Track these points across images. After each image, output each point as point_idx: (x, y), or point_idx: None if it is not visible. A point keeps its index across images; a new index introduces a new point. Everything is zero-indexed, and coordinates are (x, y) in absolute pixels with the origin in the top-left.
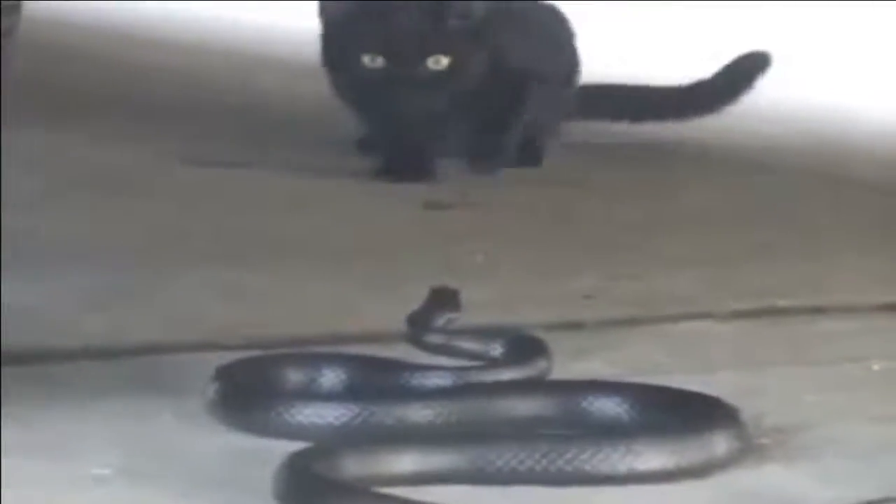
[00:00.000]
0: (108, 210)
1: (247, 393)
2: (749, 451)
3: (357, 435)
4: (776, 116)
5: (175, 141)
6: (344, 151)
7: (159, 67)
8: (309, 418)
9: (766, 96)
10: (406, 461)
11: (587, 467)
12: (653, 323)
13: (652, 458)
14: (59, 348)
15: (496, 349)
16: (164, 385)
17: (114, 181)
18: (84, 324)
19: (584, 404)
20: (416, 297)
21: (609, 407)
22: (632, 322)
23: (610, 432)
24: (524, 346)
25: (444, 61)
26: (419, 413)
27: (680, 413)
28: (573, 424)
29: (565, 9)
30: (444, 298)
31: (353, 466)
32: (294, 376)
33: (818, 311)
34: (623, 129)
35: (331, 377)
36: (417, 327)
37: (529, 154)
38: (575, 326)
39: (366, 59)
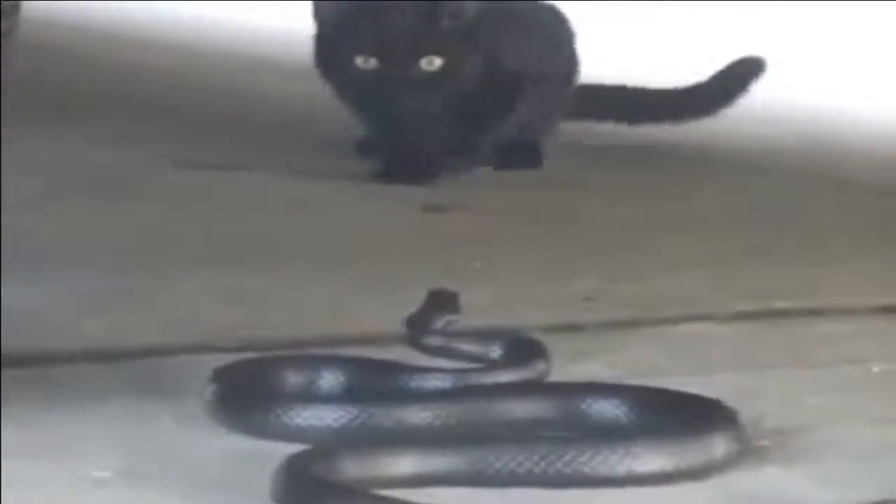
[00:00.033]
0: (107, 212)
1: (245, 395)
2: (748, 453)
3: (355, 437)
4: (774, 118)
5: (173, 143)
6: (342, 154)
7: (159, 69)
8: (307, 420)
9: (765, 98)
10: (405, 463)
11: (586, 469)
12: (652, 325)
13: (651, 460)
14: (58, 351)
15: (495, 351)
16: (163, 387)
17: (113, 183)
18: (84, 326)
19: (583, 406)
20: (414, 300)
21: (608, 409)
22: (631, 324)
23: (609, 434)
24: (523, 349)
25: (438, 62)
26: (418, 415)
27: (679, 415)
28: (572, 427)
29: (564, 9)
30: (442, 301)
31: (352, 468)
32: (292, 378)
33: (817, 313)
34: (622, 131)
35: (329, 379)
36: (416, 329)
37: (529, 156)
38: (574, 328)
39: (359, 61)
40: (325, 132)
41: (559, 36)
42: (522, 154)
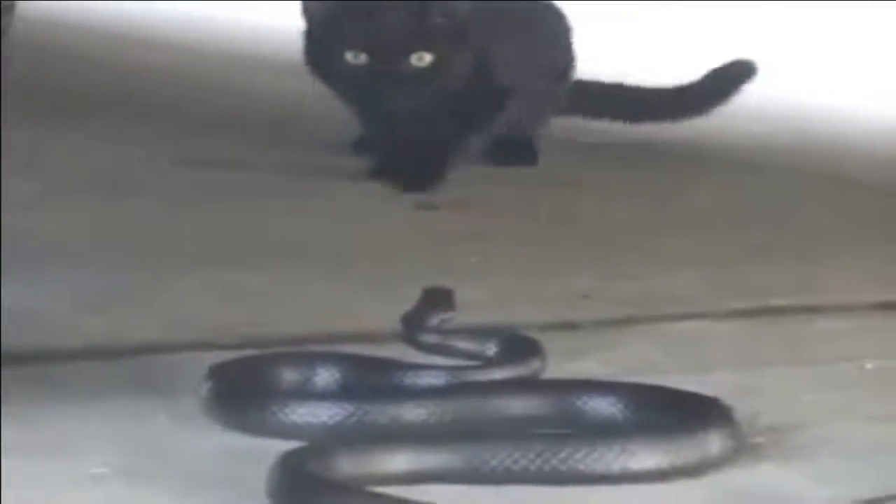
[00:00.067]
0: (106, 211)
1: (241, 392)
2: (744, 450)
3: (351, 434)
4: (772, 116)
5: (172, 142)
6: (340, 152)
7: (158, 68)
8: (303, 417)
9: (762, 96)
10: (400, 460)
11: (581, 467)
12: (648, 323)
13: (646, 457)
14: (58, 349)
15: (490, 349)
16: (161, 385)
17: (111, 182)
18: (83, 324)
19: (579, 404)
20: (411, 297)
21: (603, 406)
22: (627, 322)
23: (604, 432)
24: (518, 346)
25: (428, 58)
26: (413, 412)
27: (674, 412)
28: (568, 424)
29: (562, 6)
30: (438, 298)
31: (348, 465)
32: (288, 375)
33: (814, 310)
34: (618, 129)
35: (325, 376)
36: (412, 327)
37: (525, 153)
38: (570, 326)
39: (349, 56)
40: (322, 131)
41: (554, 32)
42: (518, 151)
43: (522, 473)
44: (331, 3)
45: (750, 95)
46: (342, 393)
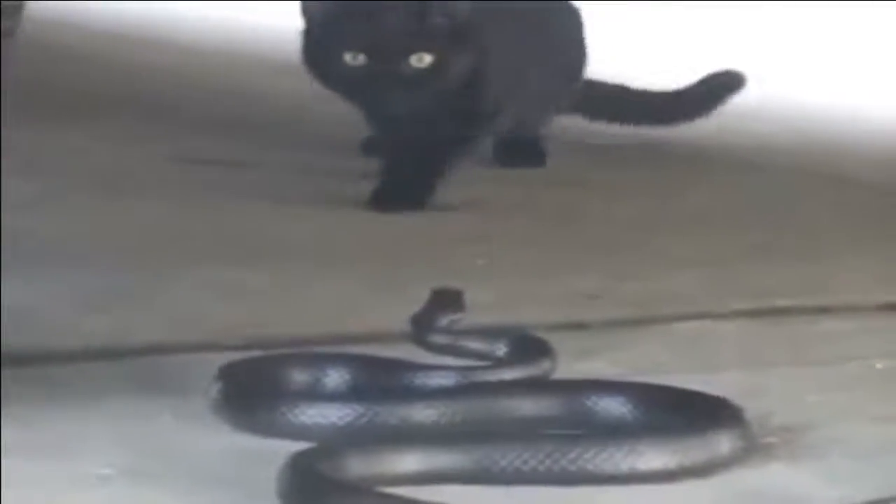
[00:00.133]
0: (108, 210)
1: (250, 393)
2: (753, 450)
3: (361, 435)
4: (775, 116)
5: (173, 141)
6: (344, 151)
7: (161, 68)
8: (313, 418)
9: (765, 96)
10: (410, 461)
11: (591, 467)
12: (657, 323)
13: (655, 457)
14: (60, 349)
15: (500, 349)
16: (166, 385)
17: (114, 181)
18: (85, 324)
19: (589, 404)
20: (420, 298)
21: (613, 406)
22: (636, 322)
23: (614, 432)
24: (528, 346)
25: (428, 59)
26: (423, 413)
27: (684, 413)
28: (577, 424)
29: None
30: (447, 299)
31: (357, 466)
32: (298, 376)
33: (820, 310)
34: (624, 130)
35: (334, 377)
36: (421, 327)
37: (532, 155)
38: (579, 327)
39: (347, 57)
40: (330, 131)
41: (564, 32)
42: (525, 152)
43: (532, 474)
44: (330, 3)
45: (751, 95)
46: (352, 394)
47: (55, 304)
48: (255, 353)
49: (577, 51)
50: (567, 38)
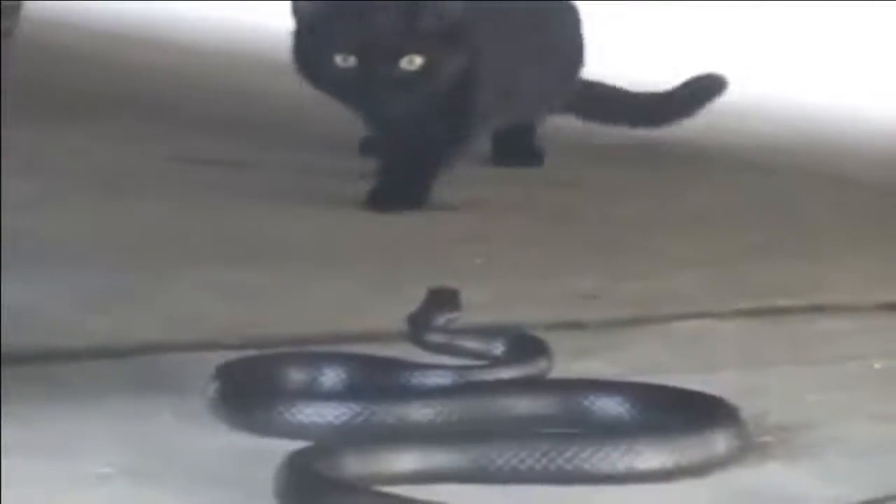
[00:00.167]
0: (108, 210)
1: (248, 392)
2: (750, 449)
3: (358, 434)
4: (774, 115)
5: (175, 140)
6: (342, 151)
7: (158, 68)
8: (310, 417)
9: (764, 95)
10: (407, 460)
11: (588, 466)
12: (654, 322)
13: (652, 456)
14: (60, 348)
15: (497, 348)
16: (165, 384)
17: (114, 181)
18: (85, 323)
19: (586, 403)
20: (417, 297)
21: (610, 406)
22: (633, 322)
23: (611, 431)
24: (525, 346)
25: (419, 61)
26: (420, 412)
27: (680, 412)
28: (574, 423)
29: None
30: (443, 298)
31: (354, 465)
32: (295, 375)
33: (819, 310)
34: (621, 130)
35: (332, 376)
36: (418, 326)
37: (530, 155)
38: (577, 326)
39: (338, 59)
40: (329, 131)
41: (561, 30)
42: (523, 152)
43: (529, 473)
44: (321, 4)
45: (750, 95)
46: (349, 393)
47: (55, 303)
48: (254, 352)
49: (574, 49)
50: (565, 37)
